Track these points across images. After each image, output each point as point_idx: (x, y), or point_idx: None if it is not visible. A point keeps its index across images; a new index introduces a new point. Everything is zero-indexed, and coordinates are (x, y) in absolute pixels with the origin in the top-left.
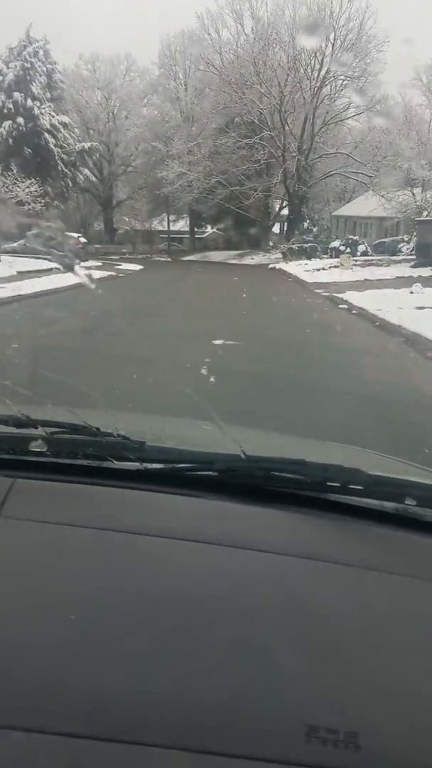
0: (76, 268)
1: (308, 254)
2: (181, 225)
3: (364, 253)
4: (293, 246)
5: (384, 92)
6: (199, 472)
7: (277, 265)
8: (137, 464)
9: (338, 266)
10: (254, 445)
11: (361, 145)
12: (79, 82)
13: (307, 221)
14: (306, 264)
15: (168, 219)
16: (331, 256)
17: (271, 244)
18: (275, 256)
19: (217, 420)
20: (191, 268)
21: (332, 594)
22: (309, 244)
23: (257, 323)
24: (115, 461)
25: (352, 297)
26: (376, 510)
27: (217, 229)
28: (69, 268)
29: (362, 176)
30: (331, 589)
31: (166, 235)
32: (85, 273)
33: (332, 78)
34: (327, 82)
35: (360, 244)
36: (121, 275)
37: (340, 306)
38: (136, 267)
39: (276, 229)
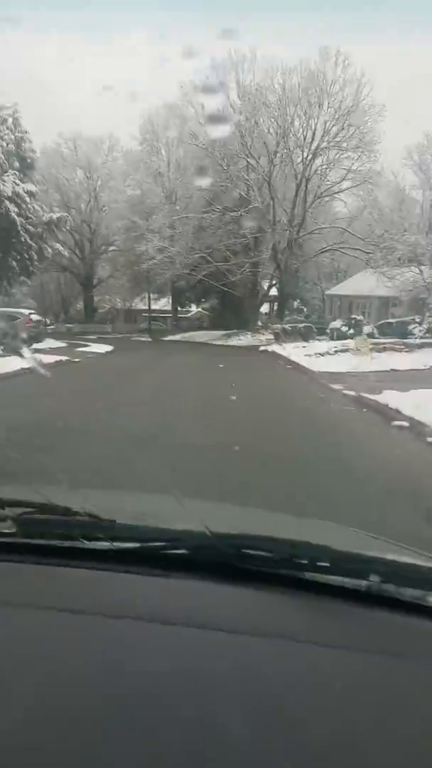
0: (24, 351)
1: (303, 336)
2: (165, 303)
3: (371, 336)
4: (286, 326)
5: (382, 163)
6: (170, 551)
7: (270, 348)
8: (107, 544)
9: (347, 351)
10: (221, 521)
11: (357, 219)
12: (59, 161)
13: (298, 301)
14: (304, 347)
15: (149, 297)
16: (331, 338)
17: (259, 324)
18: (265, 338)
19: (179, 496)
20: (169, 350)
21: (296, 674)
22: (302, 325)
23: (259, 468)
24: (85, 541)
25: (399, 401)
26: (343, 587)
27: (202, 309)
28: (14, 351)
29: (360, 252)
30: (295, 669)
31: (155, 315)
32: (34, 357)
33: (326, 148)
34: (320, 153)
35: (364, 324)
36: (76, 360)
37: (394, 422)
38: (105, 348)
39: (264, 308)
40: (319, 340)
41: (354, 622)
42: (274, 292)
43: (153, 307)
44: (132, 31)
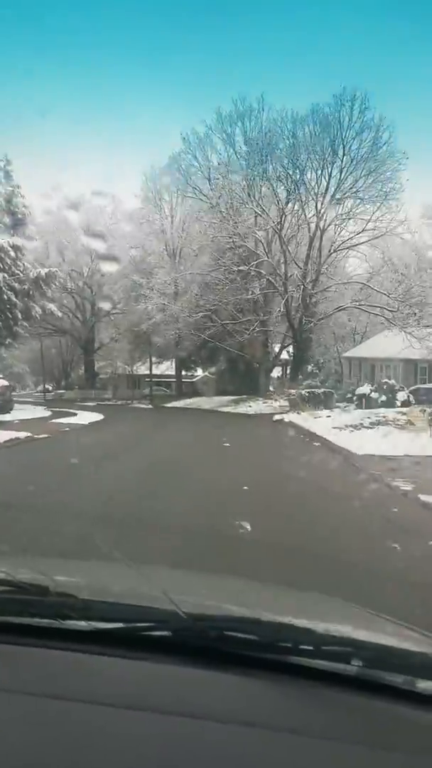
0: None
1: (324, 403)
2: (168, 368)
3: (406, 403)
4: (302, 392)
5: (406, 212)
6: (150, 633)
7: (286, 417)
8: (84, 624)
9: (386, 423)
10: (203, 598)
11: (378, 275)
12: (62, 225)
13: (311, 364)
14: (329, 416)
15: (150, 360)
16: (359, 406)
17: (271, 389)
18: (279, 404)
19: (141, 569)
20: (168, 420)
21: (278, 764)
22: (322, 390)
23: None
24: (60, 621)
25: None
26: (327, 671)
27: (209, 373)
28: None
29: (382, 310)
30: (277, 760)
31: (158, 379)
32: None
33: (342, 198)
34: (336, 203)
35: (398, 390)
36: (41, 436)
37: None
38: (92, 418)
39: (276, 372)
40: (341, 408)
41: (338, 709)
42: (285, 355)
43: (156, 371)
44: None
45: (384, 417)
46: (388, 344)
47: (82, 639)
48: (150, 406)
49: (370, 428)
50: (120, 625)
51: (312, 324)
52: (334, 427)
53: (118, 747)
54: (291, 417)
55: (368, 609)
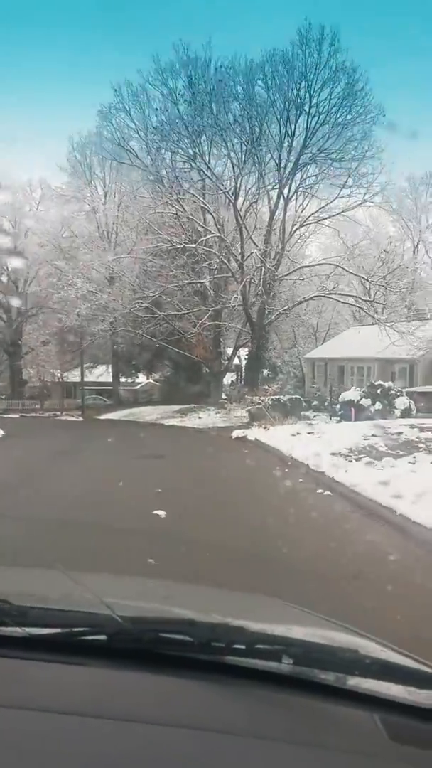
0: None
1: (290, 412)
2: (107, 374)
3: (407, 413)
4: (266, 399)
5: (385, 180)
6: (86, 637)
7: (249, 433)
8: (18, 630)
9: (420, 447)
10: (129, 599)
11: (353, 257)
12: None
13: (267, 368)
14: (310, 433)
15: (81, 364)
16: (345, 417)
17: (224, 396)
18: (236, 415)
19: (67, 571)
20: (93, 438)
21: (210, 765)
22: (288, 398)
23: None
24: None
25: None
26: (262, 670)
27: (154, 380)
28: None
29: (358, 300)
30: (206, 759)
31: (94, 387)
32: None
33: (310, 159)
34: (302, 165)
35: (397, 395)
36: None
37: None
38: None
39: (227, 379)
40: (312, 418)
41: (271, 708)
42: (237, 361)
43: (92, 378)
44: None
45: (398, 435)
46: (358, 342)
47: (18, 645)
48: (80, 419)
49: (400, 456)
50: (56, 630)
51: (273, 317)
52: (333, 454)
53: (55, 752)
54: (256, 433)
55: (308, 610)
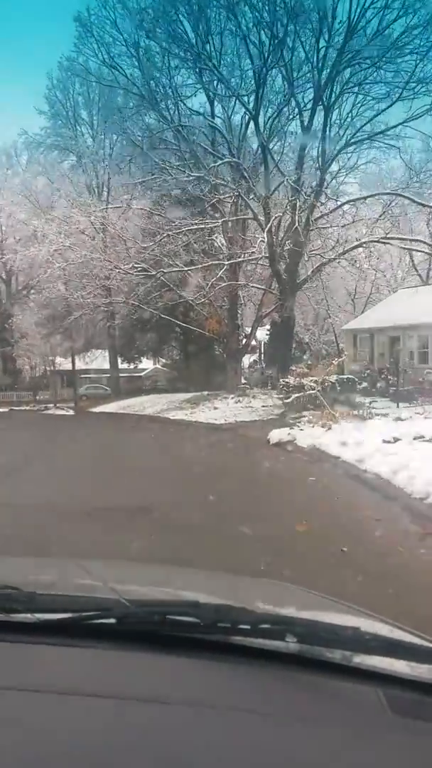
0: None
1: (344, 400)
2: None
3: None
4: (332, 379)
5: None
6: (96, 621)
7: (296, 435)
8: (29, 616)
9: None
10: (138, 584)
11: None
12: None
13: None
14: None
15: (72, 348)
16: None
17: (244, 381)
18: (263, 405)
19: (82, 561)
20: (59, 446)
21: (212, 742)
22: (335, 378)
23: None
24: (5, 614)
25: None
26: (268, 650)
27: (162, 365)
28: None
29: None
30: (212, 736)
31: (94, 375)
32: None
33: (360, 43)
34: (352, 48)
35: None
36: None
37: None
38: None
39: (246, 361)
40: (370, 406)
41: (275, 686)
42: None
43: (94, 366)
44: None
45: None
46: (419, 306)
47: (29, 631)
48: (70, 412)
49: None
50: (65, 615)
51: (311, 271)
52: None
53: (67, 732)
54: (311, 435)
55: (313, 591)
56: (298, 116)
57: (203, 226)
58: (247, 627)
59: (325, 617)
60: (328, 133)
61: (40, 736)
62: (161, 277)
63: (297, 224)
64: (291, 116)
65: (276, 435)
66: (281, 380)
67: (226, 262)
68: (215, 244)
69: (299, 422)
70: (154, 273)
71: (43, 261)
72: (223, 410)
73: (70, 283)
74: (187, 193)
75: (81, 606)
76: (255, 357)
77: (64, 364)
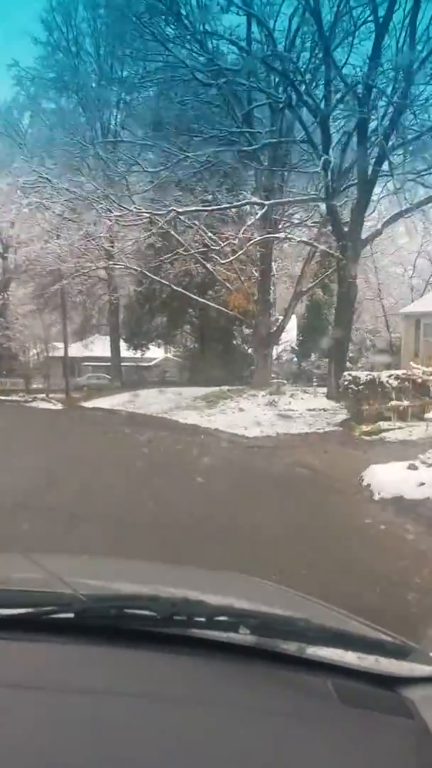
0: None
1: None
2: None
3: None
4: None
5: None
6: (53, 616)
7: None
8: None
9: None
10: (92, 578)
11: None
12: None
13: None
14: None
15: (64, 326)
16: None
17: (273, 376)
18: (309, 407)
19: (31, 554)
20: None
21: (172, 732)
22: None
23: None
24: None
25: None
26: (225, 642)
27: (174, 355)
28: None
29: None
30: (171, 727)
31: (98, 364)
32: None
33: None
34: None
35: None
36: None
37: None
38: None
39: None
40: None
41: (231, 678)
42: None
43: (98, 353)
44: None
45: None
46: None
47: None
48: (59, 406)
49: None
50: (23, 610)
51: (383, 223)
52: None
53: (24, 725)
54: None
55: (270, 582)
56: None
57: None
58: (203, 620)
59: (279, 609)
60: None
61: (10, 733)
62: (174, 234)
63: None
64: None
65: (387, 479)
66: (347, 374)
67: (266, 203)
68: (244, 179)
69: (389, 438)
70: (164, 212)
71: (31, 215)
72: (251, 413)
73: (64, 246)
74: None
75: (37, 601)
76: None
77: (54, 346)
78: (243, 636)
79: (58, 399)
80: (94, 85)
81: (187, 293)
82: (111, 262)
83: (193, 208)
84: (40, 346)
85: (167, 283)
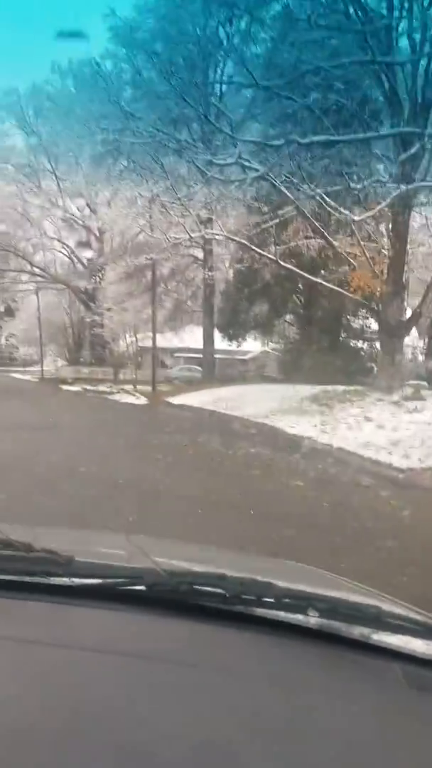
0: None
1: None
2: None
3: None
4: None
5: None
6: (126, 587)
7: None
8: (66, 580)
9: None
10: (175, 558)
11: None
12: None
13: None
14: None
15: (153, 314)
16: None
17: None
18: None
19: (129, 535)
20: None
21: (232, 706)
22: None
23: None
24: (44, 577)
25: None
26: (286, 622)
27: (272, 349)
28: None
29: None
30: (230, 700)
31: (190, 356)
32: None
33: None
34: None
35: None
36: None
37: None
38: None
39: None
40: None
41: (298, 658)
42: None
43: (189, 343)
44: None
45: None
46: None
47: (62, 593)
48: (142, 400)
49: None
50: (99, 581)
51: None
52: None
53: (93, 687)
54: None
55: (331, 573)
56: None
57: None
58: (271, 600)
59: (340, 594)
60: None
61: (73, 691)
62: (284, 190)
63: None
64: None
65: None
66: None
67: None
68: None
69: None
70: (281, 143)
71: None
72: (387, 425)
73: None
74: None
75: (114, 573)
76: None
77: (159, 339)
78: (312, 618)
79: (144, 392)
80: (199, 32)
81: (297, 270)
82: (209, 231)
83: (322, 137)
84: (132, 335)
85: (272, 256)
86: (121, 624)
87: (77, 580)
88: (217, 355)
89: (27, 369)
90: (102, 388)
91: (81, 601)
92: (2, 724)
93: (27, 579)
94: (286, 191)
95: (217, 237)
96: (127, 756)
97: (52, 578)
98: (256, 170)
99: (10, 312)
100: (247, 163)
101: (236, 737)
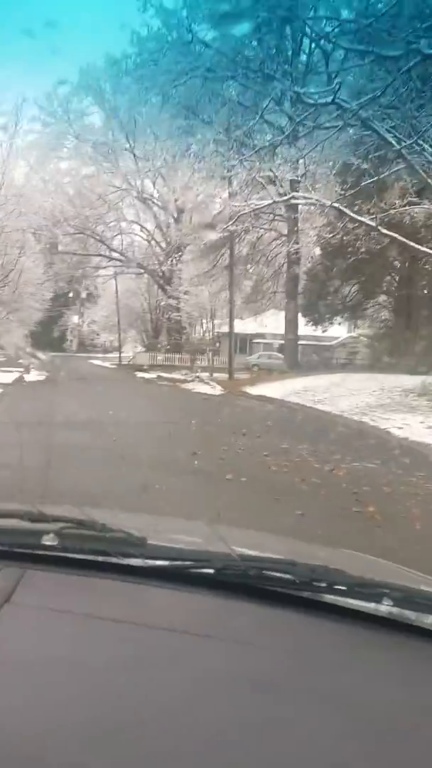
0: None
1: None
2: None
3: None
4: None
5: None
6: (197, 570)
7: None
8: (139, 560)
9: None
10: (246, 545)
11: None
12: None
13: None
14: None
15: (231, 300)
16: None
17: None
18: None
19: (210, 522)
20: None
21: (302, 687)
22: None
23: None
24: (119, 557)
25: None
26: (357, 610)
27: (362, 335)
28: None
29: None
30: (302, 683)
31: (273, 341)
32: None
33: None
34: None
35: None
36: None
37: None
38: None
39: None
40: None
41: (365, 644)
42: None
43: (272, 329)
44: None
45: None
46: None
47: (137, 573)
48: (215, 390)
49: None
50: (170, 562)
51: None
52: None
53: (164, 664)
54: None
55: (398, 565)
56: None
57: None
58: (344, 588)
59: (411, 583)
60: None
61: (141, 667)
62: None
63: None
64: None
65: None
66: None
67: None
68: None
69: None
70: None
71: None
72: None
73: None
74: None
75: (185, 555)
76: None
77: (238, 325)
78: (387, 607)
79: (220, 380)
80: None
81: (402, 239)
82: (296, 193)
83: None
84: (208, 320)
85: (371, 222)
86: (190, 605)
87: (150, 561)
88: (300, 342)
89: (107, 355)
90: (176, 375)
91: (152, 581)
92: (75, 694)
93: (100, 559)
94: (393, 142)
95: (305, 201)
96: (193, 735)
97: (125, 558)
98: (355, 113)
99: (92, 298)
100: (345, 104)
101: (306, 719)
